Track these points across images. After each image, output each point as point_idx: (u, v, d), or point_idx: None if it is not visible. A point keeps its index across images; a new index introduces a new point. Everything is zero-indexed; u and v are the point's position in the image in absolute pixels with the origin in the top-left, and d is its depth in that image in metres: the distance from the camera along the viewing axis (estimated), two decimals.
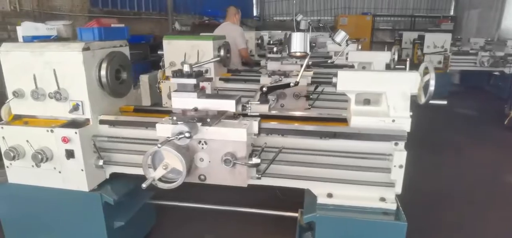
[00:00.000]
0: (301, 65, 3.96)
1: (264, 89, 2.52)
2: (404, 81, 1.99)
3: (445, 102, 2.13)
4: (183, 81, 2.01)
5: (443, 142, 5.61)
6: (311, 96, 3.52)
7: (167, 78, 3.78)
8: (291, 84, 2.65)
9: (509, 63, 7.57)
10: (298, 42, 2.50)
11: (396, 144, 1.98)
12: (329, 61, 4.35)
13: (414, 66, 6.91)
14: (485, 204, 3.68)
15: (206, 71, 3.96)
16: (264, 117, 2.22)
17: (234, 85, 3.98)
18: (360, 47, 5.69)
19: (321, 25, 9.83)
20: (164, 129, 1.93)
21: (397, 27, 14.04)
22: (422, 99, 2.02)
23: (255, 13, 15.45)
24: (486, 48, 8.57)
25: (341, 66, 4.35)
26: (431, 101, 2.04)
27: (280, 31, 9.43)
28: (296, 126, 2.06)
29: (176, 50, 3.61)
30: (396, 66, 4.30)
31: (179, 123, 1.91)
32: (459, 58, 8.68)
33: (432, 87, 1.94)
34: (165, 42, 3.68)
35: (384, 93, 2.02)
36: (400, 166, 1.92)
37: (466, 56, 8.68)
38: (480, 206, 3.65)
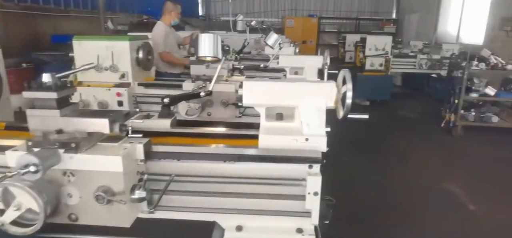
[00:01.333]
0: (232, 70, 3.70)
1: (166, 100, 2.11)
2: (318, 93, 1.69)
3: (366, 116, 1.87)
4: (41, 95, 1.54)
5: (384, 146, 5.57)
6: (240, 104, 3.21)
7: (79, 84, 3.34)
8: (202, 93, 2.27)
9: (445, 66, 7.81)
10: (207, 44, 2.13)
11: (310, 167, 1.64)
12: (261, 65, 4.04)
13: (358, 69, 6.97)
14: (420, 216, 3.57)
15: (123, 75, 3.51)
16: (159, 135, 1.81)
17: (155, 91, 3.53)
18: (297, 50, 5.45)
19: (264, 26, 9.59)
20: (14, 158, 1.44)
21: (343, 30, 14.28)
22: (340, 114, 1.71)
23: (200, 13, 14.94)
24: (424, 51, 8.84)
25: (278, 71, 4.10)
26: (351, 116, 1.74)
27: (224, 32, 9.09)
28: (193, 148, 1.67)
29: (88, 52, 3.28)
30: (329, 72, 4.11)
31: (34, 149, 1.45)
32: (399, 61, 8.86)
33: (349, 100, 1.63)
34: (75, 43, 3.31)
35: (297, 108, 1.70)
36: (315, 193, 1.60)
37: (406, 58, 8.89)
38: (415, 219, 3.53)
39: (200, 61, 2.34)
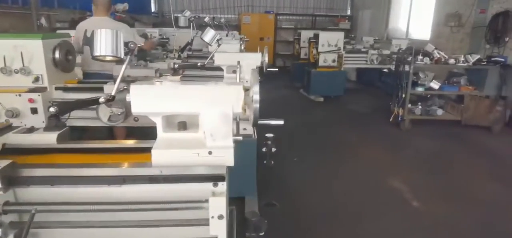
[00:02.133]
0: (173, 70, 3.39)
1: (52, 110, 1.77)
2: (223, 98, 1.47)
3: (281, 122, 1.67)
4: None
5: (334, 143, 5.49)
6: None
7: None
8: (102, 99, 1.96)
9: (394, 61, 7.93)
10: (104, 42, 1.82)
11: (215, 185, 1.49)
12: (198, 63, 3.76)
13: (312, 66, 6.85)
14: (363, 217, 3.46)
15: (37, 79, 3.09)
16: (42, 152, 1.49)
17: (75, 95, 3.15)
18: (243, 47, 5.22)
19: (216, 22, 9.29)
20: None
21: (299, 26, 14.25)
22: (251, 119, 1.49)
23: (153, 9, 14.32)
24: (375, 46, 8.94)
25: (220, 70, 3.86)
26: (264, 122, 1.53)
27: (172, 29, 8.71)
28: (71, 170, 1.37)
29: None
30: (269, 70, 3.92)
31: None
32: (352, 56, 8.90)
33: (256, 105, 1.45)
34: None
35: (198, 116, 1.45)
36: (220, 217, 1.42)
37: (358, 54, 8.94)
38: (358, 219, 3.41)
39: (96, 60, 2.00)
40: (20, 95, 2.88)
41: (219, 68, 3.97)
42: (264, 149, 4.45)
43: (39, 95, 2.89)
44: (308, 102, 8.34)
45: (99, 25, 4.63)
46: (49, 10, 8.43)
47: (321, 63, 8.38)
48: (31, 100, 2.79)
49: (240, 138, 1.56)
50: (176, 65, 3.59)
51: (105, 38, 1.81)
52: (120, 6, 11.46)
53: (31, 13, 7.34)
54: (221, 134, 1.43)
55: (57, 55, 3.07)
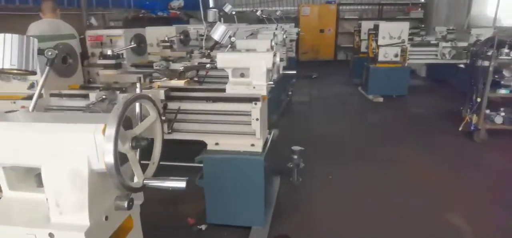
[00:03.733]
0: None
1: None
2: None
3: (182, 185, 1.09)
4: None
5: (383, 155, 4.59)
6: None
7: None
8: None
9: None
10: (9, 51, 1.41)
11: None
12: (207, 65, 3.23)
13: (371, 61, 5.97)
14: None
15: (32, 85, 2.91)
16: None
17: (70, 102, 2.94)
18: (278, 44, 4.61)
19: (264, 16, 8.71)
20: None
21: (365, 17, 13.01)
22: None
23: (211, 4, 14.23)
24: (447, 38, 7.56)
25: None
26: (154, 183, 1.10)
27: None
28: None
29: None
30: (285, 73, 3.33)
31: None
32: (419, 50, 7.68)
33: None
34: None
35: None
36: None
37: (426, 47, 7.68)
38: None
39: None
40: (14, 102, 2.84)
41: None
42: (289, 165, 3.79)
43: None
44: (364, 102, 7.37)
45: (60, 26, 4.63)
46: (103, 9, 8.67)
47: (381, 58, 7.36)
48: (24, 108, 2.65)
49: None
50: (181, 68, 3.12)
51: (11, 46, 1.39)
52: (176, 3, 11.54)
53: (81, 13, 7.57)
54: (71, 203, 0.88)
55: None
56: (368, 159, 4.45)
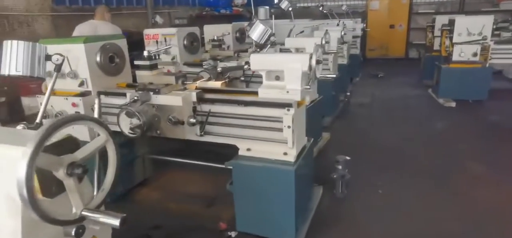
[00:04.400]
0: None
1: None
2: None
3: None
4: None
5: (447, 169, 4.03)
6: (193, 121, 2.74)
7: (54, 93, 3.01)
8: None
9: None
10: (16, 57, 1.44)
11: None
12: (245, 66, 3.09)
13: (444, 60, 5.40)
14: None
15: (82, 83, 3.10)
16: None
17: (114, 100, 3.05)
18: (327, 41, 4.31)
19: (325, 11, 8.31)
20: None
21: (443, 10, 11.77)
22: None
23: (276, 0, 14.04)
24: None
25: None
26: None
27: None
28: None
29: None
30: (325, 75, 3.10)
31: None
32: (504, 48, 6.67)
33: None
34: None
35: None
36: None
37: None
38: None
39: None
40: (67, 98, 3.00)
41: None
42: (333, 175, 3.48)
43: (80, 99, 2.96)
44: (434, 107, 6.64)
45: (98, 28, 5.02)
46: (169, 8, 9.06)
47: (455, 57, 6.56)
48: (74, 105, 2.89)
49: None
50: (219, 69, 3.04)
51: (17, 53, 1.40)
52: (239, 0, 11.62)
53: (147, 12, 7.97)
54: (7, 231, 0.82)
55: (98, 58, 3.03)
56: (429, 174, 3.92)
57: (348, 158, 3.46)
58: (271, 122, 2.52)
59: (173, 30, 4.91)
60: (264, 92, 2.56)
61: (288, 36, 6.25)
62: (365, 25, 9.37)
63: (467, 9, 11.06)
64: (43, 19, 6.53)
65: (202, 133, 2.72)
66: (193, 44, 4.96)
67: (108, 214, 1.16)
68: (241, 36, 6.13)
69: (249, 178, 2.65)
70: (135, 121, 2.59)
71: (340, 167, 3.46)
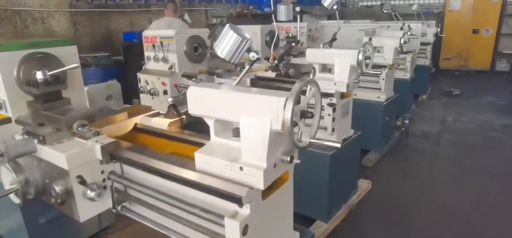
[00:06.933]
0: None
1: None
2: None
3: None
4: None
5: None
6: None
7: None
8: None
9: None
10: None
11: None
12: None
13: None
14: None
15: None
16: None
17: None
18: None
19: (386, 11, 6.65)
20: None
21: None
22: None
23: None
24: None
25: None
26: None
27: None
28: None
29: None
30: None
31: None
32: None
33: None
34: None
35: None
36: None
37: None
38: None
39: None
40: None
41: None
42: None
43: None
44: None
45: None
46: (206, 5, 8.09)
47: None
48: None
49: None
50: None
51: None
52: None
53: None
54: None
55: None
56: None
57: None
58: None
59: (171, 32, 3.86)
60: (202, 160, 1.55)
61: (330, 43, 4.85)
62: (439, 29, 7.44)
63: None
64: (60, 16, 5.96)
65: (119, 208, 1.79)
66: (198, 50, 3.83)
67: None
68: (271, 41, 4.81)
69: None
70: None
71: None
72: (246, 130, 1.29)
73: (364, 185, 3.60)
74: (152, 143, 2.11)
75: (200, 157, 1.39)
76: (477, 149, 4.79)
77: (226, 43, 1.77)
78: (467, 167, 4.24)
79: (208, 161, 1.37)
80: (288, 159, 1.34)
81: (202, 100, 1.45)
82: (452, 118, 6.10)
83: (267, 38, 4.80)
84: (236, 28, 1.82)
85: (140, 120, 2.36)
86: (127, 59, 5.84)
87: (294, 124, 1.26)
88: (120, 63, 5.84)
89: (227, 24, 1.81)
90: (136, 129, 2.31)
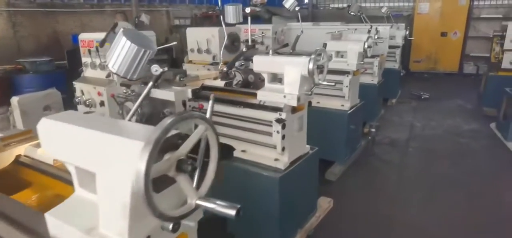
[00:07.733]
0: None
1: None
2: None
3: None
4: None
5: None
6: None
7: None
8: None
9: None
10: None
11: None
12: None
13: (494, 67, 3.02)
14: None
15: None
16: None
17: None
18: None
19: (352, 13, 6.40)
20: None
21: None
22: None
23: (306, 0, 12.19)
24: None
25: None
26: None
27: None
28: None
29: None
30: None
31: None
32: None
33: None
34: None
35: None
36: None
37: None
38: None
39: None
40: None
41: None
42: None
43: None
44: (501, 155, 4.57)
45: None
46: (168, 5, 7.60)
47: (505, 65, 4.50)
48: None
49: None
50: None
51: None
52: None
53: (131, 9, 6.56)
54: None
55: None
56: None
57: None
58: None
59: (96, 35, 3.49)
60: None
61: (292, 47, 4.49)
62: (408, 32, 7.27)
63: None
64: None
65: None
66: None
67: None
68: (233, 45, 4.38)
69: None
70: None
71: None
72: (102, 189, 0.90)
73: (324, 204, 3.24)
74: (36, 181, 1.64)
75: (52, 221, 1.02)
76: (446, 157, 4.55)
77: (118, 53, 1.35)
78: (435, 179, 3.97)
79: (61, 228, 1.00)
80: (170, 227, 0.96)
81: (56, 138, 1.07)
82: (421, 123, 5.89)
83: (227, 42, 4.40)
84: (133, 34, 1.40)
85: (24, 150, 1.83)
86: (72, 64, 5.27)
87: (155, 185, 0.88)
88: (64, 69, 5.27)
89: (121, 30, 1.39)
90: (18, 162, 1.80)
